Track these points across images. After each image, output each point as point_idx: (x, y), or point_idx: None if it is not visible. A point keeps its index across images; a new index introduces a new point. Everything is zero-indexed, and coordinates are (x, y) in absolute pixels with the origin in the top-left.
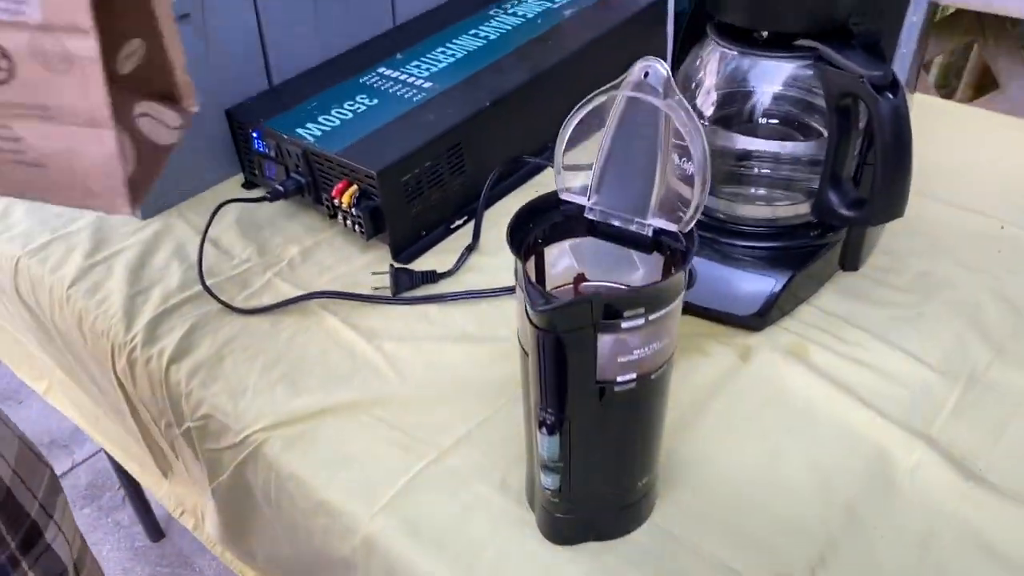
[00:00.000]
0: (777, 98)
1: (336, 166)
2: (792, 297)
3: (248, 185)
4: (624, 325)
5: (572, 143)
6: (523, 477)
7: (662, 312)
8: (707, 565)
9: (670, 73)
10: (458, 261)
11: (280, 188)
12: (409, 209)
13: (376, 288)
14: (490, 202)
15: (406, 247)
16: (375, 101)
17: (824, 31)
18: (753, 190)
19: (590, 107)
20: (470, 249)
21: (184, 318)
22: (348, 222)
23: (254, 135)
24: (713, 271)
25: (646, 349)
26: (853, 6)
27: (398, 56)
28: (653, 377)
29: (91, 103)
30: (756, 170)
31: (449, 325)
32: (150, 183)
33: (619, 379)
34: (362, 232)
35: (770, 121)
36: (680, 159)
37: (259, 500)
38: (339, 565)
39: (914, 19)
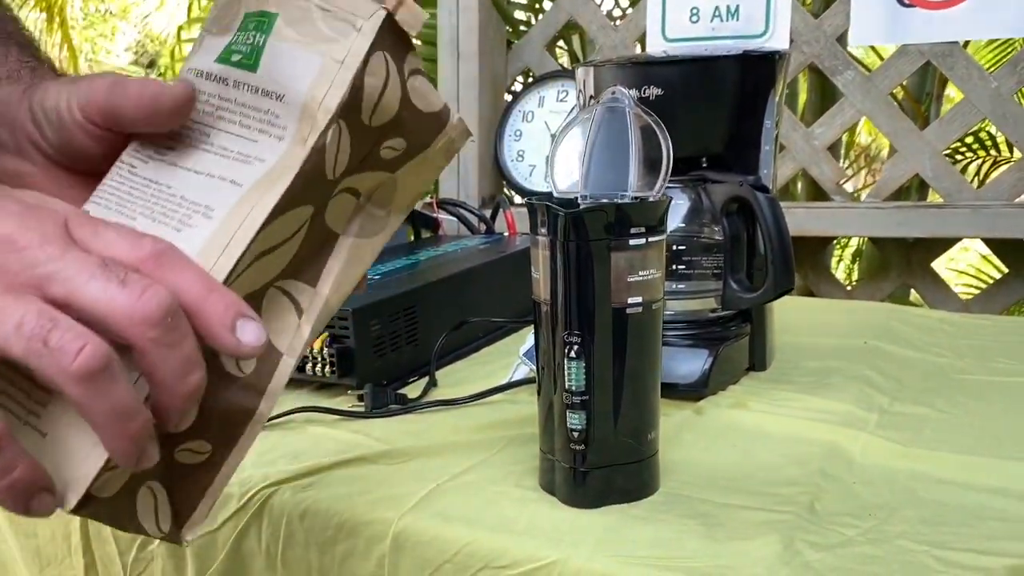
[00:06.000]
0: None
1: None
2: (719, 377)
3: None
4: (631, 243)
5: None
6: (535, 482)
7: (657, 238)
8: (724, 508)
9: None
10: (423, 392)
11: None
12: (373, 353)
13: (353, 406)
14: (440, 365)
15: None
16: None
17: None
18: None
19: (571, 127)
20: (431, 386)
21: None
22: (317, 368)
23: None
24: None
25: (648, 273)
26: (724, 143)
27: None
28: (654, 307)
29: None
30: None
31: (429, 426)
32: None
33: (630, 301)
34: (332, 372)
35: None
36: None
37: (258, 573)
38: None
39: (767, 148)
